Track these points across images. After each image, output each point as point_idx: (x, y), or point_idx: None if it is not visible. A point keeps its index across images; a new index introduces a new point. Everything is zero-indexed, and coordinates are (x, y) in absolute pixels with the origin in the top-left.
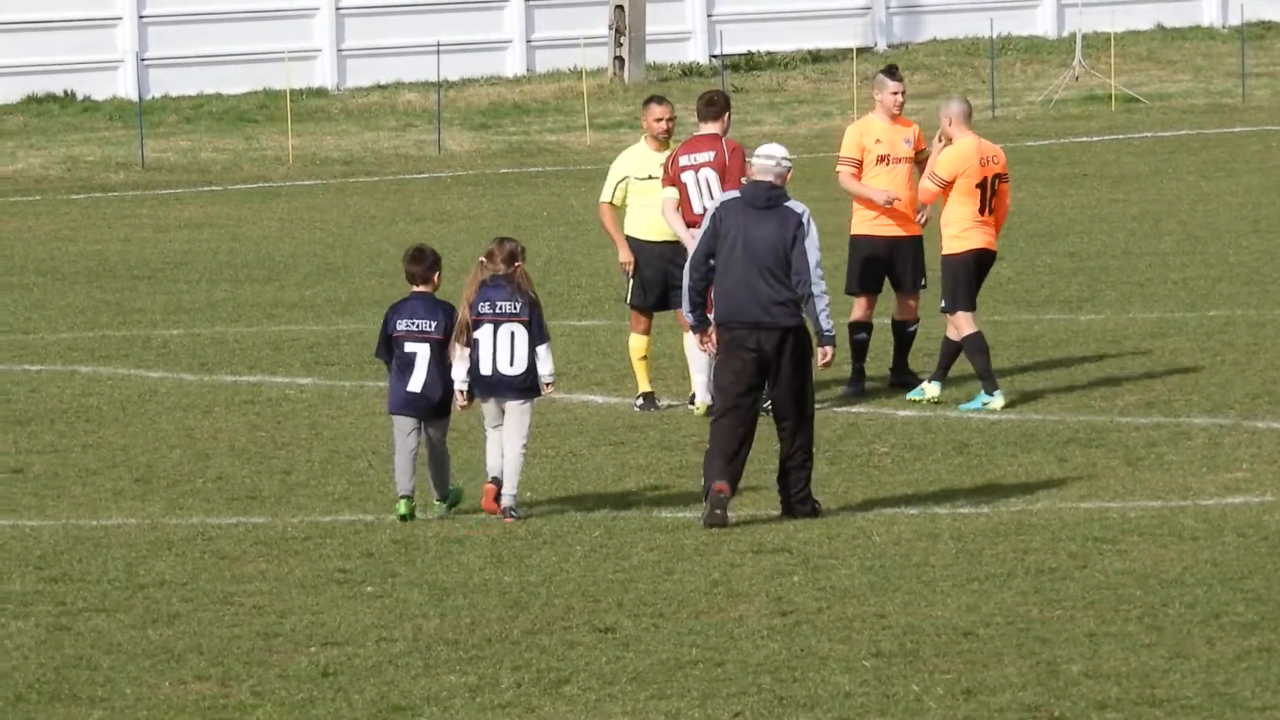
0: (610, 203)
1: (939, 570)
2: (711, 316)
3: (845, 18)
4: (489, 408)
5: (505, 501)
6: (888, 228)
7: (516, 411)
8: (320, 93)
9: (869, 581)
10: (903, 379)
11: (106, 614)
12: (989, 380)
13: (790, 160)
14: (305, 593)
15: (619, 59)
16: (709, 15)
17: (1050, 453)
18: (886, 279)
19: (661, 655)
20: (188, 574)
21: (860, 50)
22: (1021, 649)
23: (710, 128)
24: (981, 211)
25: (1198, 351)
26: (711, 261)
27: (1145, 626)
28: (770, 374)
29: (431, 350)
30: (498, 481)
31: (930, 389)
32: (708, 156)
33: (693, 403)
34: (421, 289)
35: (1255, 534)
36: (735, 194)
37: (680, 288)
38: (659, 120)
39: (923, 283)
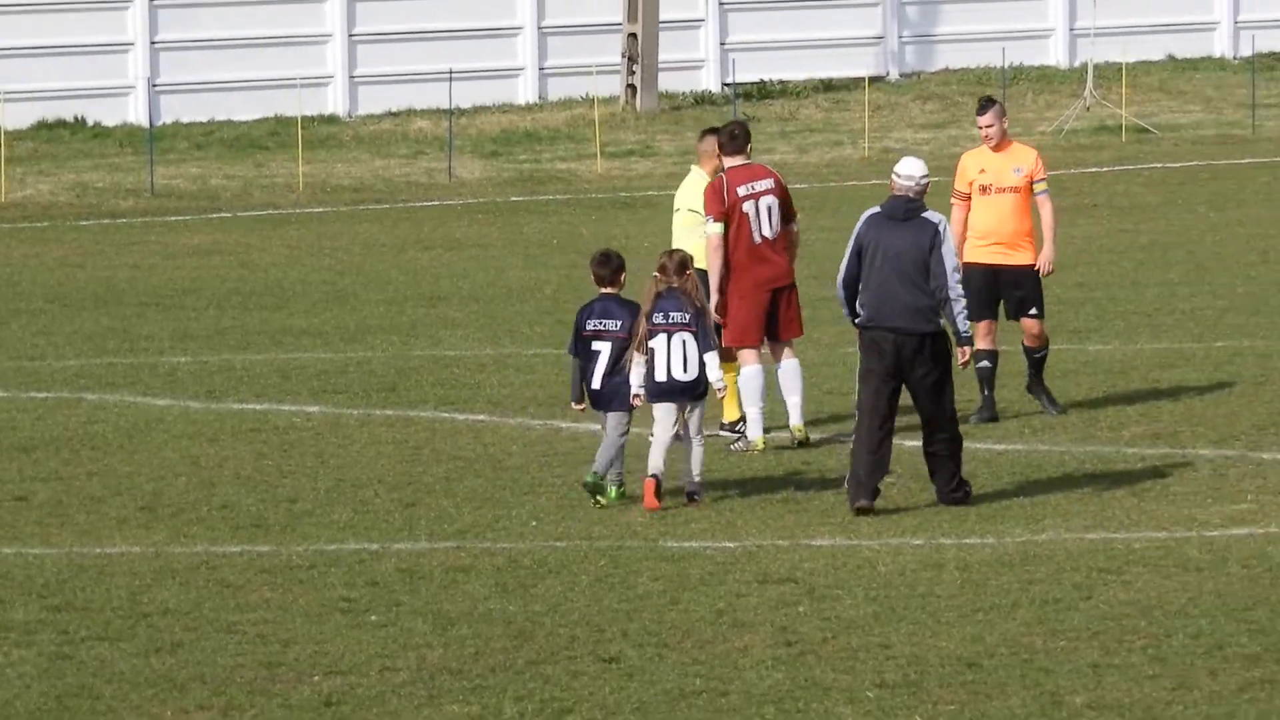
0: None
1: (943, 601)
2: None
3: (858, 46)
4: (662, 411)
5: (691, 488)
6: (994, 255)
7: (694, 412)
8: (331, 119)
9: (873, 612)
10: (1039, 397)
11: (109, 642)
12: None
13: (928, 176)
14: (309, 622)
15: (631, 87)
16: (722, 44)
17: (1056, 483)
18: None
19: (666, 685)
20: (191, 602)
21: (872, 79)
22: (1025, 680)
23: (739, 159)
24: None
25: (1204, 382)
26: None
27: (1149, 658)
28: (907, 374)
29: (613, 347)
30: (656, 479)
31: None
32: (768, 184)
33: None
34: (609, 290)
35: (1260, 565)
36: (877, 209)
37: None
38: (713, 154)
39: (1033, 310)
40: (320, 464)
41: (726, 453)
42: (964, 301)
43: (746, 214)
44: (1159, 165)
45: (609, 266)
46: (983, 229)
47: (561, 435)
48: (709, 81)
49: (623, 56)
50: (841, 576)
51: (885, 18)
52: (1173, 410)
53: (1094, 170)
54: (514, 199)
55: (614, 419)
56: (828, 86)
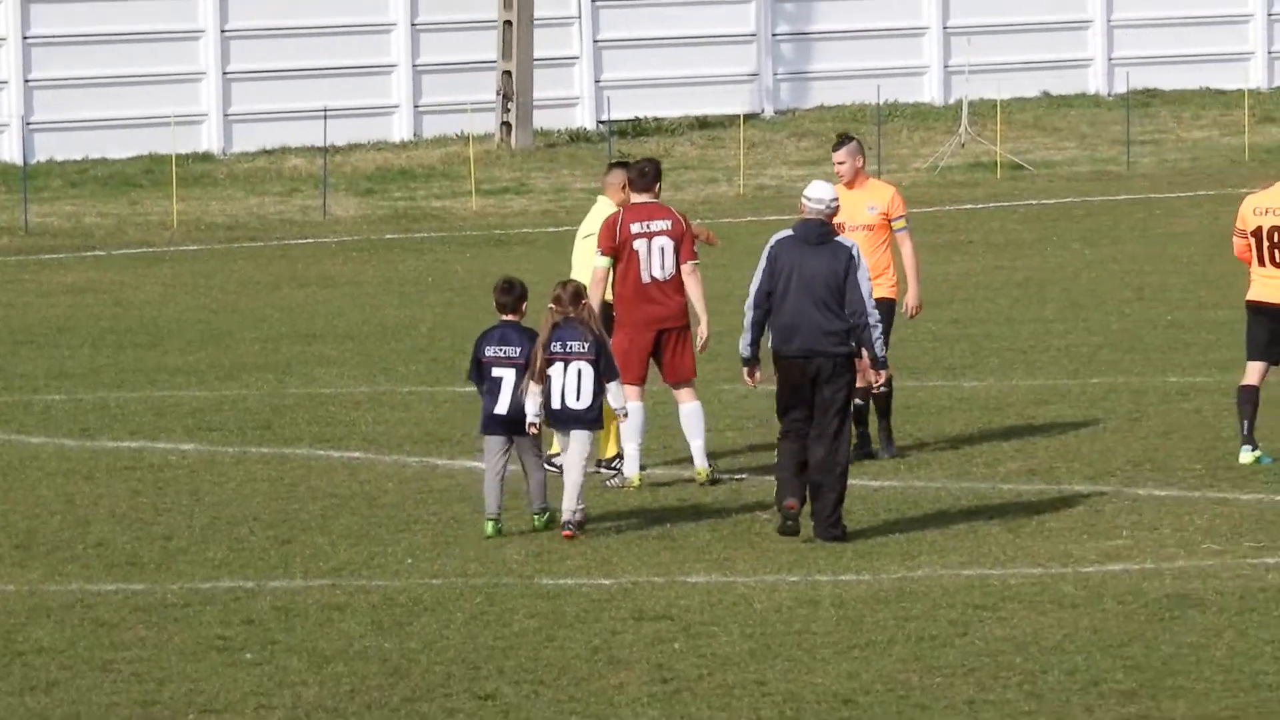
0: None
1: (820, 637)
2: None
3: (732, 84)
4: (562, 439)
5: (567, 516)
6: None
7: (582, 440)
8: (206, 157)
9: (749, 648)
10: (880, 433)
11: None
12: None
13: (837, 200)
14: (185, 660)
15: (506, 125)
16: (597, 81)
17: (932, 519)
18: None
19: None
20: (66, 641)
21: (748, 116)
22: (901, 716)
23: (645, 197)
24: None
25: (1079, 419)
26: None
27: (1025, 694)
28: (816, 393)
29: (517, 374)
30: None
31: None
32: (664, 224)
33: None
34: (510, 318)
35: (1135, 601)
36: (788, 232)
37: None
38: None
39: None
40: (195, 501)
41: (603, 488)
42: (880, 328)
43: (637, 251)
44: (1034, 202)
45: (512, 294)
46: None
47: (437, 472)
48: (584, 119)
49: (497, 94)
50: (717, 613)
51: (760, 55)
52: (1048, 446)
53: (969, 207)
54: (389, 237)
55: (521, 443)
56: (703, 124)
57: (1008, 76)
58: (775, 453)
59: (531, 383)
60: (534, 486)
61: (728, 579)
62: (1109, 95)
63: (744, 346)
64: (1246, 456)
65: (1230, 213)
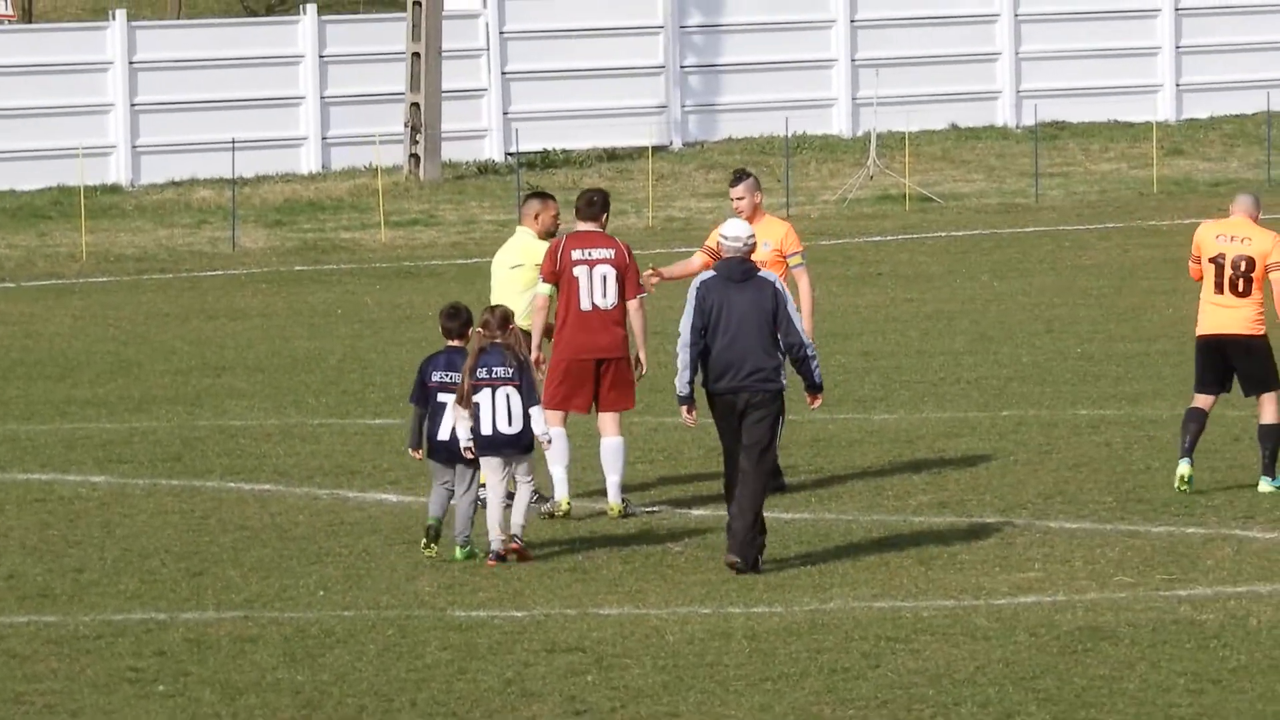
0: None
1: (732, 670)
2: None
3: (641, 116)
4: (489, 466)
5: (514, 530)
6: None
7: (520, 465)
8: (114, 189)
9: (662, 681)
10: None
11: None
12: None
13: (754, 236)
14: (97, 692)
15: (414, 156)
16: (505, 113)
17: (843, 551)
18: None
19: None
20: None
21: (656, 148)
22: None
23: (590, 226)
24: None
25: (990, 451)
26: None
27: None
28: (742, 421)
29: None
30: (513, 540)
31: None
32: (607, 254)
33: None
34: (456, 343)
35: (1047, 633)
36: (711, 272)
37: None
38: (535, 216)
39: None
40: (106, 534)
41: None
42: (817, 358)
43: (577, 278)
44: (943, 234)
45: (458, 320)
46: None
47: (348, 505)
48: (492, 151)
49: (406, 126)
50: (630, 645)
51: (668, 87)
52: (959, 479)
53: (878, 239)
54: (298, 268)
55: (460, 472)
56: (611, 156)
57: (916, 109)
58: (723, 492)
59: (460, 408)
60: (459, 514)
61: (640, 611)
62: (1017, 128)
63: (682, 385)
64: (1184, 468)
65: (1140, 245)
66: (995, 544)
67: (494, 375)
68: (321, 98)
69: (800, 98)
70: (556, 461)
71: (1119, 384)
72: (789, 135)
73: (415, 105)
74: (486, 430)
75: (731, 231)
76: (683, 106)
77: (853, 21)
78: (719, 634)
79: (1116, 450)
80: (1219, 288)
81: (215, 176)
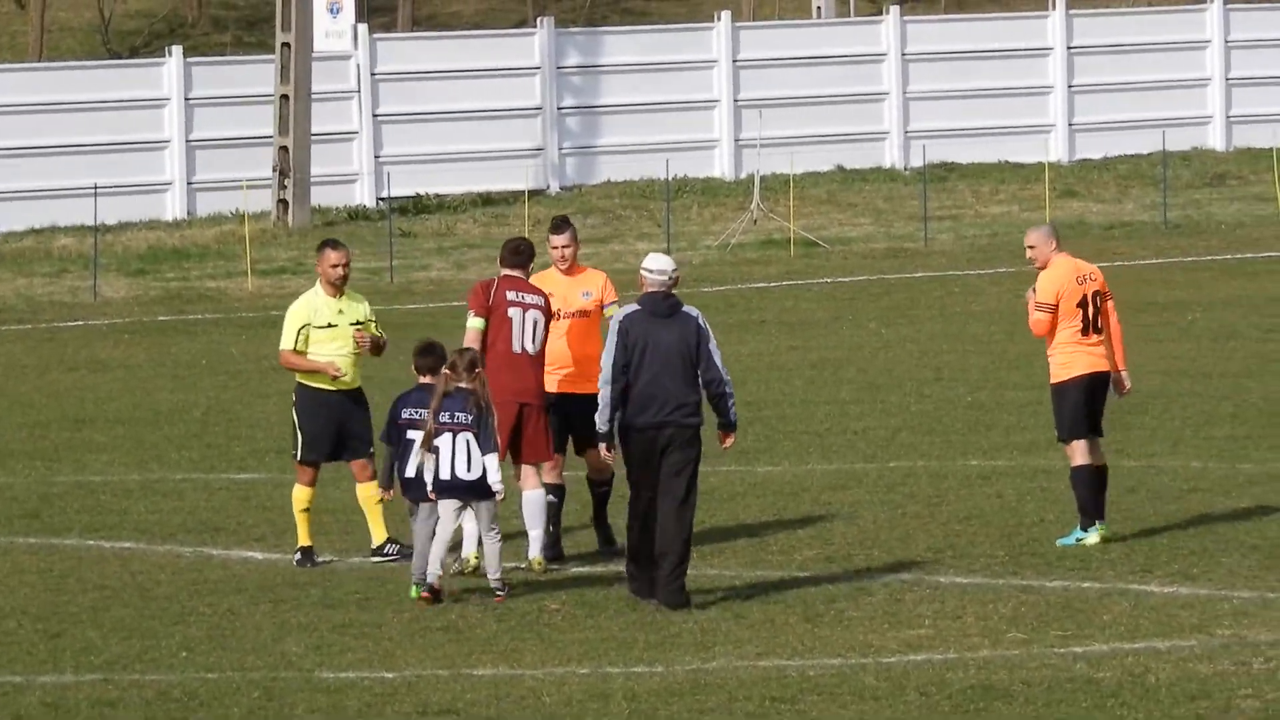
0: (295, 350)
1: None
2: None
3: (516, 159)
4: (442, 508)
5: (494, 585)
6: (564, 383)
7: (484, 510)
8: None
9: None
10: (598, 531)
11: None
12: (1087, 515)
13: (678, 270)
14: None
15: (283, 202)
16: (376, 157)
17: (726, 609)
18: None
19: None
20: None
21: (532, 192)
22: None
23: (517, 273)
24: (1085, 333)
25: (878, 504)
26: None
27: None
28: (661, 462)
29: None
30: (435, 584)
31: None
32: (537, 300)
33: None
34: (428, 380)
35: (939, 693)
36: (635, 307)
37: (354, 437)
38: (335, 266)
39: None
40: None
41: (381, 579)
42: (733, 396)
43: (511, 319)
44: (828, 280)
45: (431, 356)
46: (551, 356)
47: (212, 563)
48: (363, 196)
49: (274, 170)
50: (504, 707)
51: (545, 129)
52: (846, 533)
53: (761, 285)
54: (161, 318)
55: (425, 508)
56: (486, 200)
57: (801, 150)
58: (627, 532)
59: (424, 452)
60: (416, 555)
61: (515, 671)
62: (905, 169)
63: (602, 422)
64: (1093, 537)
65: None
66: (884, 600)
67: (455, 420)
68: (187, 141)
69: (681, 139)
70: (537, 523)
71: (1010, 434)
72: (670, 178)
73: (284, 149)
74: (445, 474)
75: (656, 265)
76: (560, 149)
77: (735, 61)
78: (597, 695)
79: (1009, 502)
80: (1086, 330)
81: (77, 224)
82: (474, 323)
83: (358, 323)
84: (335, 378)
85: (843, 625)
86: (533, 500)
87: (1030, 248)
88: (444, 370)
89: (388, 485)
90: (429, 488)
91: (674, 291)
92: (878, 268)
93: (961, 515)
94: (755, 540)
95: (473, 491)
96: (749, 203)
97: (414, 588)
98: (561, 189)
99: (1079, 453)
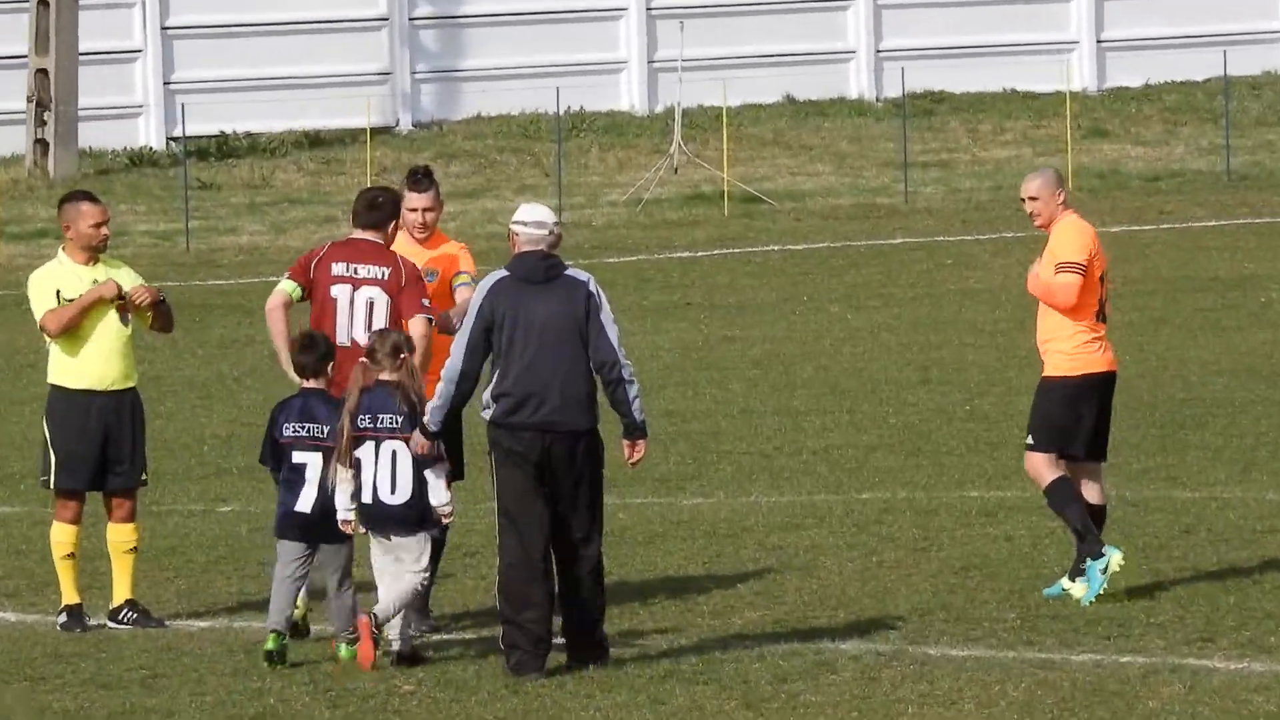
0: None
1: None
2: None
3: (355, 86)
4: (375, 543)
5: (398, 646)
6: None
7: (403, 548)
8: None
9: None
10: None
11: None
12: (1091, 538)
13: (559, 225)
14: None
15: (42, 143)
16: (166, 84)
17: (640, 691)
18: None
19: None
20: None
21: (376, 131)
22: None
23: (369, 235)
24: (1100, 318)
25: (845, 549)
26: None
27: None
28: (553, 483)
29: (325, 459)
30: (376, 637)
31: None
32: (378, 272)
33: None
34: (313, 383)
35: None
36: (502, 273)
37: (120, 460)
38: (96, 226)
39: None
40: None
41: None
42: (637, 385)
43: (334, 299)
44: (775, 248)
45: (314, 352)
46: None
47: None
48: (149, 135)
49: (29, 102)
50: None
51: (393, 47)
52: (801, 588)
53: (685, 255)
54: None
55: (329, 552)
56: (314, 141)
57: (737, 76)
58: (499, 581)
59: (340, 466)
60: (337, 606)
61: None
62: (878, 100)
63: (434, 422)
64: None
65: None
66: (852, 679)
67: (379, 424)
68: None
69: (577, 61)
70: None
71: (1023, 455)
72: (562, 112)
73: (42, 73)
74: (367, 498)
75: (532, 216)
76: (413, 74)
77: None
78: None
79: (1020, 547)
80: (1101, 315)
81: None
82: (283, 285)
83: (121, 297)
84: (120, 300)
85: (796, 713)
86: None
87: (1030, 199)
88: (361, 360)
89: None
90: (342, 517)
91: (555, 253)
92: (842, 232)
93: (957, 565)
94: (680, 597)
95: (399, 522)
96: (668, 145)
97: (271, 637)
98: (416, 126)
99: (1047, 467)
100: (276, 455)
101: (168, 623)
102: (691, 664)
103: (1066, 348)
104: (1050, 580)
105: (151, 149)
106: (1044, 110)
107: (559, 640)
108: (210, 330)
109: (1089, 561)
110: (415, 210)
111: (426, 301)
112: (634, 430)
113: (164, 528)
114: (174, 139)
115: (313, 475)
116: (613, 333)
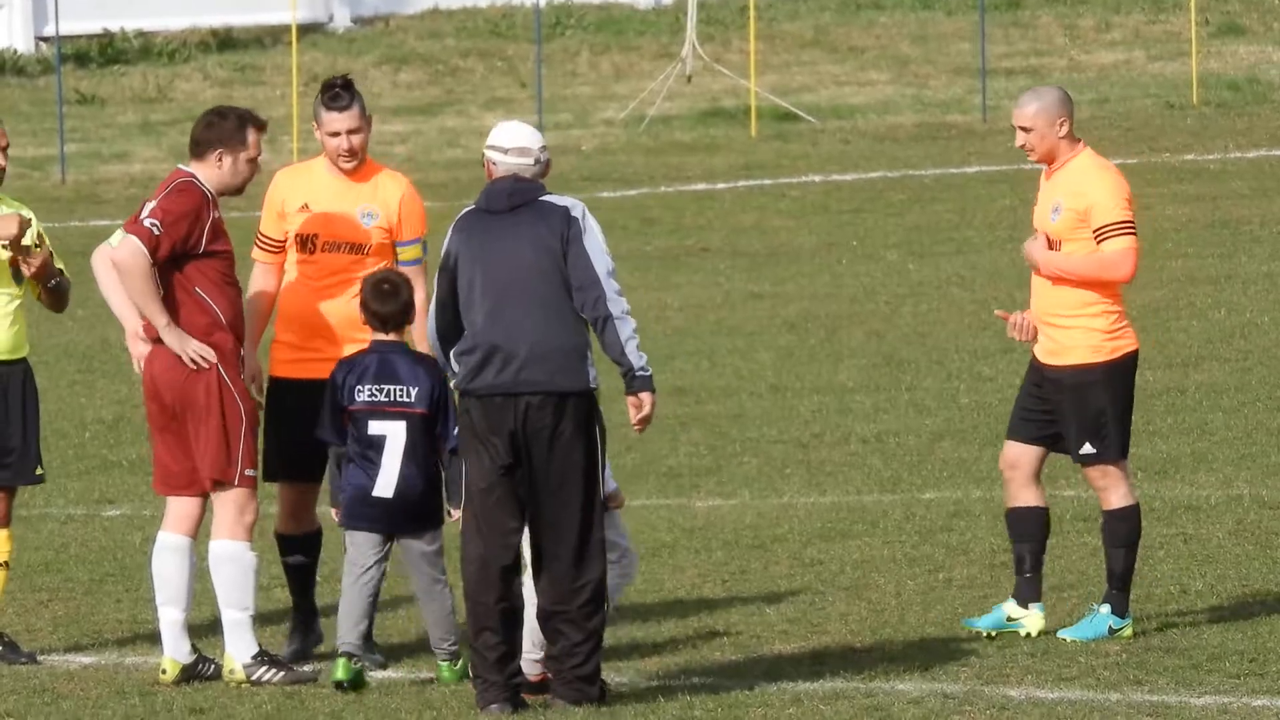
0: None
1: None
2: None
3: None
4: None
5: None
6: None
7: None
8: None
9: None
10: None
11: None
12: (1124, 588)
13: (546, 150)
14: None
15: None
16: None
17: None
18: None
19: None
20: None
21: (305, 29)
22: None
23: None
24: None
25: (904, 563)
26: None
27: None
28: (527, 459)
29: (410, 431)
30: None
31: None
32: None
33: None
34: (390, 337)
35: None
36: (469, 207)
37: (9, 449)
38: None
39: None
40: None
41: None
42: (634, 323)
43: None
44: (818, 178)
45: (396, 299)
46: (285, 313)
47: None
48: (13, 35)
49: None
50: None
51: None
52: (848, 613)
53: (702, 187)
54: None
55: (419, 550)
56: (225, 42)
57: None
58: (463, 595)
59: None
60: (433, 615)
61: None
62: None
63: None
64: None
65: (1167, 195)
66: None
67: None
68: None
69: None
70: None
71: (1135, 441)
72: (542, 3)
73: None
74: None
75: (510, 139)
76: None
77: None
78: None
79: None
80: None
81: None
82: (116, 238)
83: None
84: (17, 250)
85: None
86: (224, 558)
87: (1023, 130)
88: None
89: (338, 502)
90: (346, 509)
91: (536, 179)
92: (902, 158)
93: (1046, 583)
94: (693, 622)
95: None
96: (679, 46)
97: (340, 663)
98: (355, 22)
99: (1129, 481)
100: (341, 428)
101: (40, 658)
102: (708, 709)
103: (1101, 325)
104: (1168, 604)
105: (16, 52)
106: (1160, 2)
107: (536, 674)
108: (93, 285)
109: (1109, 610)
110: (337, 134)
111: (150, 222)
112: (633, 380)
113: (36, 537)
114: (44, 39)
115: (394, 450)
116: (601, 262)
